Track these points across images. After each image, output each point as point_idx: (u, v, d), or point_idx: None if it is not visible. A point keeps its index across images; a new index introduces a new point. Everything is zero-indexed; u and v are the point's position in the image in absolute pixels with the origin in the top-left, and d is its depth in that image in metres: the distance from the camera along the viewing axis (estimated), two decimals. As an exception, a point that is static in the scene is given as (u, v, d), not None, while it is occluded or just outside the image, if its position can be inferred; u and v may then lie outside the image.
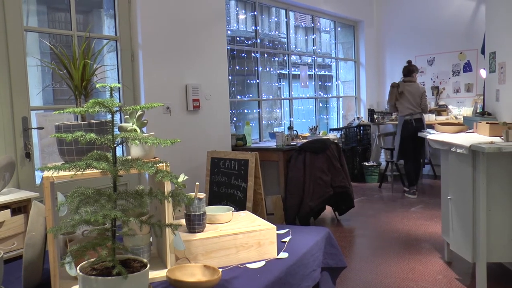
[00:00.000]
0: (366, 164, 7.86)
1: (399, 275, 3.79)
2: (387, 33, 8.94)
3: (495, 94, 4.31)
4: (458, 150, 3.42)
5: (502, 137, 3.37)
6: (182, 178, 2.27)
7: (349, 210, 5.53)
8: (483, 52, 5.10)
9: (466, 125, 4.41)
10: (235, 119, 6.31)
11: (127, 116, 2.09)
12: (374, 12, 9.01)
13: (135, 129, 2.05)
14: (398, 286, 3.57)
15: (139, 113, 2.08)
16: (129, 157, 1.87)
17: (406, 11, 8.61)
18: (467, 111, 7.67)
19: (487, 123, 3.80)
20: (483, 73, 5.90)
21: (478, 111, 5.38)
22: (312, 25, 7.77)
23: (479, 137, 3.73)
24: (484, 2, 4.97)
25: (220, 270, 1.96)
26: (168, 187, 1.95)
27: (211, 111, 5.05)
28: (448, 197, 3.80)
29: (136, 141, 1.71)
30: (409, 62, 6.74)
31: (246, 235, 2.24)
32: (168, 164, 1.94)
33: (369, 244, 4.82)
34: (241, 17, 6.93)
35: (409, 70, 6.63)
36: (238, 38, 6.59)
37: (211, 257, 2.16)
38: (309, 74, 7.58)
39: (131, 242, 1.98)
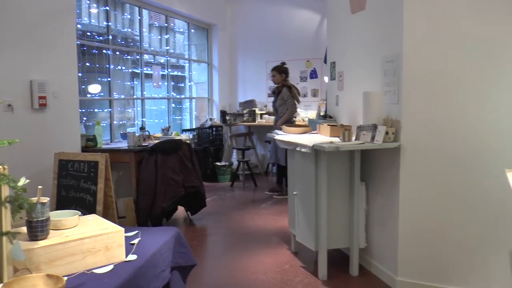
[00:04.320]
0: (219, 164, 8.04)
1: (250, 269, 3.96)
2: (240, 37, 9.25)
3: (335, 99, 4.71)
4: (303, 150, 3.70)
5: (340, 138, 3.72)
6: (22, 182, 2.11)
7: (201, 210, 5.61)
8: (325, 61, 5.52)
9: (311, 126, 4.75)
10: (85, 118, 6.01)
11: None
12: (228, 16, 9.25)
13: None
14: (248, 279, 3.73)
15: (-30, 111, 1.89)
16: (-42, 160, 1.69)
17: (259, 18, 8.99)
18: (313, 114, 8.23)
19: (328, 125, 4.15)
20: (326, 80, 6.38)
21: (321, 114, 5.79)
22: (166, 25, 7.73)
23: (321, 137, 4.06)
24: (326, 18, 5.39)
25: (65, 278, 1.86)
26: (5, 191, 1.80)
27: (59, 109, 4.72)
28: (294, 193, 4.08)
29: (-34, 142, 1.55)
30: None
31: (93, 239, 2.16)
32: (5, 166, 1.79)
33: (221, 242, 4.95)
34: (93, 11, 6.62)
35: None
36: (89, 33, 6.28)
37: (55, 265, 2.04)
38: (162, 74, 7.52)
39: (-39, 253, 1.79)
